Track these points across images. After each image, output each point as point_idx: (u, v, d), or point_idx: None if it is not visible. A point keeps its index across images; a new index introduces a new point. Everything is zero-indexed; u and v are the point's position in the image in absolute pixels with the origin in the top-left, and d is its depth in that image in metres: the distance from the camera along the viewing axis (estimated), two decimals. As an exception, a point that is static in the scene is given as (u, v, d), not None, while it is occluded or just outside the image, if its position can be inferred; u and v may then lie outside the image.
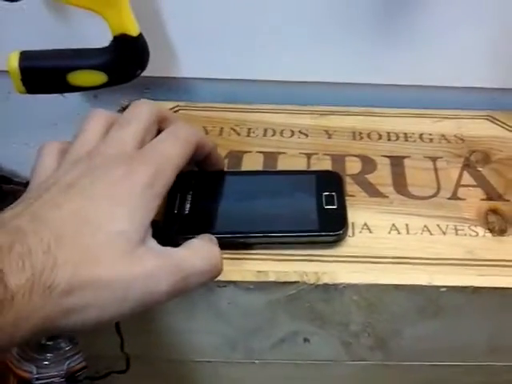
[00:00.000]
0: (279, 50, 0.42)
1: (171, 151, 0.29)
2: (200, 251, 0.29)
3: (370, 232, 0.33)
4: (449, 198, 0.36)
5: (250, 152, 0.39)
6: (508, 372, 0.35)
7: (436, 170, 0.38)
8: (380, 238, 0.33)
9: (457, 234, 0.33)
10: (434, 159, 0.39)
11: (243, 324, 0.33)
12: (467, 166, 0.38)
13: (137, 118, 0.30)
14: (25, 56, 0.38)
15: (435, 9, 0.40)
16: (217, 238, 0.31)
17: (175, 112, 0.43)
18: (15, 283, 0.22)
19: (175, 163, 0.29)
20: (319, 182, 0.35)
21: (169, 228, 0.32)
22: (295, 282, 0.31)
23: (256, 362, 0.35)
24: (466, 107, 0.43)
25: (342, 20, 0.41)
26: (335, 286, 0.31)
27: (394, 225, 0.34)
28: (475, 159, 0.39)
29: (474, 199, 0.36)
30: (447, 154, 0.39)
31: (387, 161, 0.38)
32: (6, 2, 0.37)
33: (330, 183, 0.35)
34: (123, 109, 0.42)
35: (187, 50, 0.43)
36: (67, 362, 0.46)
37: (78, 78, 0.39)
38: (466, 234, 0.33)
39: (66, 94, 0.46)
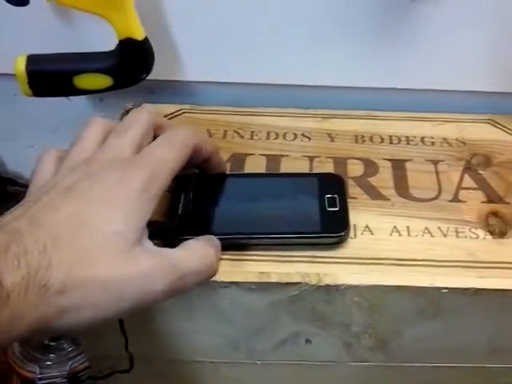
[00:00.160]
0: (283, 54, 0.43)
1: (166, 155, 0.29)
2: (195, 251, 0.29)
3: (372, 234, 0.34)
4: (450, 201, 0.36)
5: (253, 155, 0.39)
6: (508, 374, 0.35)
7: (437, 172, 0.38)
8: (381, 240, 0.33)
9: (457, 237, 0.34)
10: (435, 162, 0.39)
11: (245, 324, 0.33)
12: (468, 169, 0.39)
13: (133, 126, 0.30)
14: (31, 60, 0.39)
15: (436, 12, 0.40)
16: (220, 239, 0.31)
17: (179, 115, 0.43)
18: (10, 281, 0.23)
19: (170, 167, 0.29)
20: (322, 185, 0.35)
21: (172, 229, 0.32)
22: (297, 283, 0.31)
23: (258, 362, 0.36)
24: (467, 111, 0.44)
25: (345, 24, 0.41)
26: (337, 287, 0.31)
27: (395, 227, 0.34)
28: (476, 162, 0.39)
29: (474, 202, 0.36)
30: (448, 157, 0.39)
31: (389, 164, 0.39)
32: (14, 6, 0.38)
33: (332, 186, 0.35)
34: (127, 112, 0.42)
35: (192, 53, 0.43)
36: (70, 363, 0.47)
37: (84, 81, 0.39)
38: (466, 237, 0.34)
39: (71, 97, 0.46)
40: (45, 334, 0.26)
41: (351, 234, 0.33)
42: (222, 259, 0.31)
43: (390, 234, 0.34)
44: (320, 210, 0.33)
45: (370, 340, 0.34)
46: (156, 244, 0.31)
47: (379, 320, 0.33)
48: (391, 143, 0.41)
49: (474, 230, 0.34)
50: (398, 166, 0.39)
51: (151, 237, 0.31)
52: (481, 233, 0.34)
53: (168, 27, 0.42)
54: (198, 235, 0.31)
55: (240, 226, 0.33)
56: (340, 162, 0.39)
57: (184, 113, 0.43)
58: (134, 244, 0.26)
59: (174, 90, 0.46)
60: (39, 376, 0.46)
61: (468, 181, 0.38)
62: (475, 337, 0.33)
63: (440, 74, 0.44)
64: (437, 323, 0.32)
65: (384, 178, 0.38)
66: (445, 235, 0.34)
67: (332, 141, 0.41)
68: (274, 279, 0.31)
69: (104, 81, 0.40)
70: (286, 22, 0.41)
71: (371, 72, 0.43)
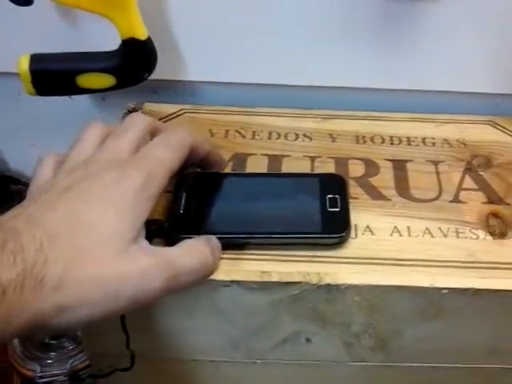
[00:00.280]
0: (284, 55, 0.43)
1: (163, 155, 0.30)
2: (192, 250, 0.29)
3: (373, 234, 0.34)
4: (450, 202, 0.36)
5: (254, 154, 0.40)
6: (508, 375, 0.36)
7: (438, 173, 0.38)
8: (382, 240, 0.33)
9: (458, 237, 0.34)
10: (436, 163, 0.39)
11: (246, 324, 0.34)
12: (469, 169, 0.39)
13: (131, 128, 0.31)
14: (35, 59, 0.39)
15: (438, 14, 0.40)
16: (221, 238, 0.32)
17: (181, 115, 0.43)
18: (6, 277, 0.23)
19: (167, 166, 0.30)
20: (323, 185, 0.35)
21: (174, 228, 0.33)
22: (298, 283, 0.31)
23: (258, 361, 0.36)
24: (468, 112, 0.44)
25: (346, 25, 0.41)
26: (337, 287, 0.31)
27: (395, 227, 0.34)
28: (477, 163, 0.39)
29: (475, 203, 0.36)
30: (449, 158, 0.40)
31: (390, 164, 0.39)
32: (18, 6, 0.38)
33: (333, 186, 0.35)
34: (129, 111, 0.43)
35: (194, 53, 0.44)
36: (70, 361, 0.47)
37: (87, 80, 0.40)
38: (466, 237, 0.34)
39: (74, 97, 0.46)
40: (43, 332, 0.27)
41: (352, 234, 0.33)
42: (223, 258, 0.32)
43: (391, 235, 0.34)
44: (321, 210, 0.33)
45: (370, 340, 0.34)
46: (157, 243, 0.32)
47: (379, 320, 0.33)
48: (392, 144, 0.41)
49: (474, 230, 0.34)
50: (399, 166, 0.39)
51: (153, 236, 0.32)
52: (481, 233, 0.34)
53: (170, 27, 0.42)
54: (199, 234, 0.32)
55: (242, 226, 0.33)
56: (341, 162, 0.39)
57: (186, 113, 0.44)
58: (131, 243, 0.27)
59: (176, 90, 0.46)
60: (40, 374, 0.46)
61: (468, 182, 0.38)
62: (475, 337, 0.34)
63: (441, 75, 0.44)
64: (437, 323, 0.33)
65: (385, 179, 0.38)
66: (445, 236, 0.34)
67: (333, 141, 0.41)
68: (274, 278, 0.31)
69: (107, 80, 0.40)
70: (287, 22, 0.41)
71: (373, 73, 0.44)
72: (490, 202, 0.36)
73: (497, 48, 0.42)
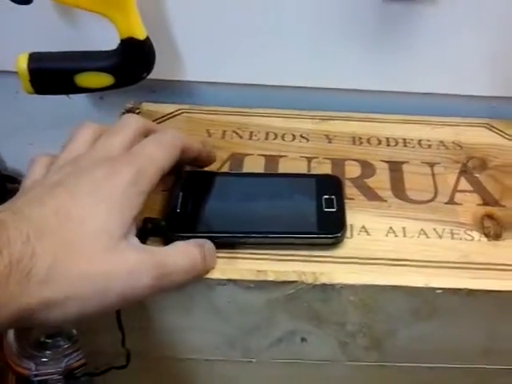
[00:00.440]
0: (282, 56, 0.43)
1: (154, 153, 0.30)
2: (182, 251, 0.30)
3: (368, 234, 0.34)
4: (446, 203, 0.36)
5: (251, 155, 0.40)
6: (502, 375, 0.36)
7: (434, 175, 0.39)
8: (377, 241, 0.34)
9: (453, 238, 0.34)
10: (431, 165, 0.39)
11: (241, 322, 0.34)
12: (464, 171, 0.39)
13: (124, 129, 0.31)
14: (33, 57, 0.39)
15: (435, 16, 0.40)
16: (218, 237, 0.32)
17: (178, 115, 0.43)
18: None
19: (158, 165, 0.30)
20: (319, 186, 0.35)
21: (170, 227, 0.33)
22: (294, 282, 0.31)
23: (253, 360, 0.36)
24: (464, 115, 0.44)
25: (344, 27, 0.41)
26: (333, 287, 0.31)
27: (391, 228, 0.34)
28: (472, 165, 0.39)
29: (470, 204, 0.36)
30: (445, 159, 0.40)
31: (386, 166, 0.39)
32: (17, 4, 0.38)
33: (329, 187, 0.35)
34: (127, 111, 0.43)
35: (192, 54, 0.44)
36: (66, 360, 0.47)
37: (86, 79, 0.40)
38: (461, 238, 0.34)
39: (72, 96, 0.46)
40: (32, 325, 0.26)
41: (348, 234, 0.34)
42: (219, 257, 0.32)
43: (386, 235, 0.34)
44: (317, 210, 0.34)
45: (365, 339, 0.34)
46: (154, 242, 0.32)
47: (374, 319, 0.33)
48: (388, 145, 0.41)
49: (469, 232, 0.34)
50: (395, 167, 0.39)
51: (149, 234, 0.32)
52: (476, 235, 0.34)
53: (169, 27, 0.42)
54: (196, 233, 0.32)
55: (238, 225, 0.33)
56: (337, 163, 0.39)
57: (183, 113, 0.44)
58: (120, 239, 0.27)
59: (173, 90, 0.46)
60: (35, 373, 0.46)
61: (464, 183, 0.38)
62: (469, 337, 0.34)
63: (438, 77, 0.44)
64: (431, 323, 0.33)
65: (381, 180, 0.38)
66: (440, 237, 0.34)
67: (330, 142, 0.41)
68: (270, 277, 0.31)
69: (105, 79, 0.40)
70: (285, 23, 0.42)
71: (370, 75, 0.44)
72: (485, 203, 0.36)
73: (494, 51, 0.42)
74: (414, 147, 0.41)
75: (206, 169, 0.37)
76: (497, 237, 0.34)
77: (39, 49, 0.39)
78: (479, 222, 0.35)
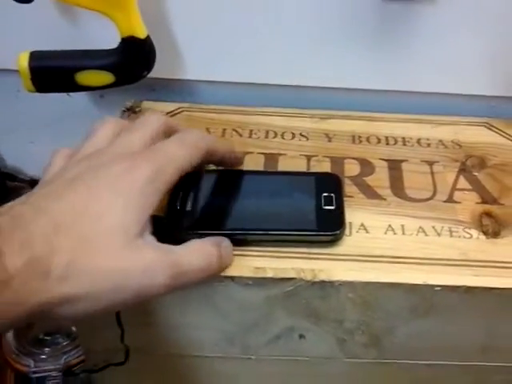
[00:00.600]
0: (282, 55, 0.43)
1: (175, 152, 0.30)
2: (198, 250, 0.29)
3: (367, 232, 0.34)
4: (444, 201, 0.36)
5: (251, 153, 0.40)
6: (500, 372, 0.36)
7: (433, 173, 0.39)
8: (376, 238, 0.34)
9: (451, 236, 0.34)
10: (430, 163, 0.39)
11: (240, 319, 0.34)
12: (463, 170, 0.39)
13: (145, 126, 0.31)
14: (34, 56, 0.39)
15: (434, 16, 0.41)
16: (217, 234, 0.32)
17: (178, 113, 0.44)
18: (13, 266, 0.23)
19: (178, 164, 0.30)
20: (319, 184, 0.35)
21: (171, 224, 0.33)
22: (292, 279, 0.31)
23: (252, 357, 0.36)
24: (464, 114, 0.44)
25: (344, 26, 0.42)
26: (331, 284, 0.31)
27: (390, 225, 0.34)
28: (471, 164, 0.40)
29: (469, 202, 0.36)
30: (444, 158, 0.40)
31: (385, 164, 0.39)
32: (18, 3, 0.38)
33: (329, 185, 0.35)
34: (128, 109, 0.43)
35: (192, 52, 0.44)
36: (65, 357, 0.47)
37: (86, 77, 0.40)
38: (460, 236, 0.34)
39: (72, 94, 0.47)
40: (50, 320, 0.27)
41: (347, 231, 0.34)
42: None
43: (385, 233, 0.34)
44: (316, 208, 0.34)
45: (363, 336, 0.34)
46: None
47: (373, 317, 0.33)
48: (388, 144, 0.41)
49: (467, 229, 0.34)
50: (394, 166, 0.39)
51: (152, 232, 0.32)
52: (474, 233, 0.34)
53: (169, 26, 0.42)
54: (196, 230, 0.32)
55: (237, 223, 0.33)
56: (337, 161, 0.39)
57: (183, 111, 0.44)
58: (137, 236, 0.27)
59: (174, 89, 0.46)
60: (34, 370, 0.46)
61: (463, 182, 0.38)
62: (467, 334, 0.34)
63: (437, 76, 0.44)
64: (429, 321, 0.33)
65: (380, 178, 0.38)
66: (439, 234, 0.34)
67: (329, 141, 0.41)
68: (269, 274, 0.31)
69: (106, 78, 0.40)
70: (285, 22, 0.42)
71: (369, 74, 0.44)
72: (484, 201, 0.37)
73: (493, 50, 0.43)
74: (413, 146, 0.41)
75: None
76: (495, 235, 0.34)
77: (40, 47, 0.40)
78: (478, 219, 0.35)
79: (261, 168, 0.39)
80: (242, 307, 0.33)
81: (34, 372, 0.46)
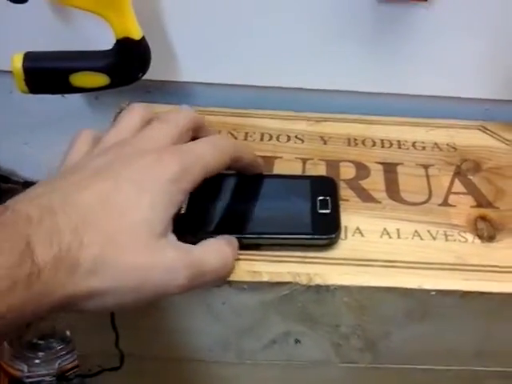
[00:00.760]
0: (277, 58, 0.43)
1: (205, 154, 0.29)
2: (215, 250, 0.29)
3: (362, 236, 0.34)
4: (440, 205, 0.36)
5: (246, 156, 0.40)
6: (494, 377, 0.36)
7: (428, 177, 0.39)
8: (371, 242, 0.34)
9: (446, 240, 0.34)
10: (426, 167, 0.39)
11: (236, 324, 0.34)
12: (458, 173, 0.39)
13: (173, 121, 0.31)
14: (28, 57, 0.39)
15: (429, 19, 0.41)
16: (212, 238, 0.32)
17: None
18: (42, 259, 0.23)
19: (206, 167, 0.29)
20: (314, 187, 0.35)
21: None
22: (288, 283, 0.31)
23: (247, 362, 0.36)
24: (459, 117, 0.44)
25: (339, 29, 0.42)
26: (327, 288, 0.31)
27: (385, 229, 0.34)
28: (466, 167, 0.40)
29: (464, 206, 0.36)
30: (439, 161, 0.40)
31: (381, 167, 0.39)
32: (12, 3, 0.38)
33: (324, 188, 0.35)
34: (122, 111, 0.43)
35: (187, 54, 0.44)
36: (59, 361, 0.46)
37: (81, 79, 0.40)
38: (455, 240, 0.34)
39: (66, 95, 0.46)
40: (72, 312, 0.26)
41: (342, 235, 0.34)
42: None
43: (381, 237, 0.34)
44: (312, 211, 0.34)
45: (359, 341, 0.34)
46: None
47: (368, 321, 0.33)
48: (383, 147, 0.41)
49: (462, 233, 0.34)
50: (390, 169, 0.39)
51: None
52: (469, 236, 0.34)
53: (164, 28, 0.42)
54: (191, 233, 0.32)
55: (232, 226, 0.33)
56: (332, 164, 0.39)
57: (179, 113, 0.44)
58: (160, 235, 0.27)
59: (169, 90, 0.46)
60: (27, 374, 0.46)
61: (458, 185, 0.38)
62: (463, 339, 0.34)
63: (433, 80, 0.44)
64: (425, 325, 0.33)
65: (375, 181, 0.38)
66: (434, 238, 0.34)
67: (325, 143, 0.41)
68: (265, 278, 0.31)
69: (100, 79, 0.40)
70: (280, 25, 0.42)
71: (365, 77, 0.44)
72: (479, 205, 0.37)
73: (488, 53, 0.43)
74: (408, 149, 0.41)
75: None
76: (490, 238, 0.34)
77: (34, 48, 0.39)
78: (473, 223, 0.35)
79: (256, 171, 0.38)
80: (238, 312, 0.33)
81: (28, 377, 0.45)
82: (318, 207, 0.34)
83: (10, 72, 0.39)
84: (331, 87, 0.44)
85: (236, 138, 0.41)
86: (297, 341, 0.34)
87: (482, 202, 0.37)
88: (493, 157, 0.41)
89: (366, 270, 0.32)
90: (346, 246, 0.33)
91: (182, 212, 0.33)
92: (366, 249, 0.33)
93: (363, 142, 0.42)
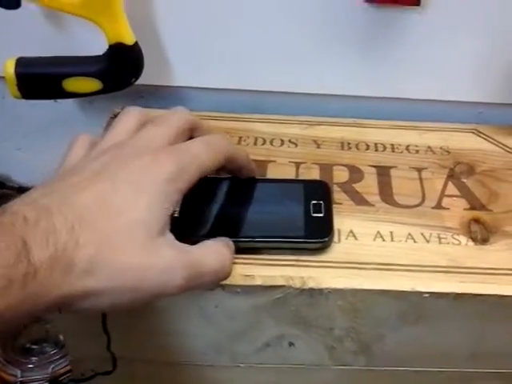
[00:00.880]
0: (270, 62, 0.43)
1: (201, 154, 0.30)
2: (213, 251, 0.29)
3: (356, 239, 0.34)
4: (433, 208, 0.37)
5: (240, 160, 0.40)
6: (488, 379, 0.36)
7: (421, 180, 0.39)
8: (365, 245, 0.34)
9: (440, 243, 0.34)
10: (419, 170, 0.40)
11: (230, 327, 0.34)
12: (452, 176, 0.39)
13: (169, 122, 0.31)
14: (21, 62, 0.39)
15: (422, 23, 0.41)
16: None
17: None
18: (38, 259, 0.23)
19: (201, 166, 0.29)
20: (307, 191, 0.35)
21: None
22: (281, 286, 0.31)
23: (241, 365, 0.36)
24: (452, 120, 0.44)
25: (331, 33, 0.42)
26: (320, 291, 0.31)
27: (378, 232, 0.34)
28: (460, 170, 0.40)
29: (457, 209, 0.36)
30: (432, 165, 0.40)
31: (374, 170, 0.39)
32: (4, 9, 0.38)
33: (317, 192, 0.35)
34: (116, 116, 0.43)
35: (181, 59, 0.44)
36: (52, 366, 0.46)
37: (73, 84, 0.40)
38: (449, 243, 0.34)
39: (59, 100, 0.46)
40: (67, 312, 0.26)
41: (335, 238, 0.34)
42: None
43: (374, 240, 0.34)
44: (305, 215, 0.34)
45: (353, 344, 0.34)
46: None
47: (362, 324, 0.33)
48: (376, 150, 0.41)
49: (456, 236, 0.34)
50: (383, 172, 0.39)
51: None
52: (463, 239, 0.34)
53: (157, 32, 0.42)
54: (184, 237, 0.32)
55: (225, 230, 0.33)
56: (326, 168, 0.39)
57: (172, 118, 0.44)
58: (157, 235, 0.27)
59: (162, 95, 0.46)
60: (20, 379, 0.46)
61: (451, 188, 0.38)
62: (456, 341, 0.34)
63: (426, 83, 0.44)
64: (418, 327, 0.33)
65: (369, 185, 0.38)
66: (427, 241, 0.34)
67: (318, 147, 0.41)
68: (258, 282, 0.31)
69: (93, 85, 0.40)
70: (274, 30, 0.42)
71: (358, 81, 0.44)
72: (472, 208, 0.37)
73: (480, 57, 0.43)
74: (401, 152, 0.41)
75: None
76: (484, 241, 0.34)
77: (27, 53, 0.39)
78: (466, 226, 0.35)
79: (250, 175, 0.38)
80: (231, 315, 0.33)
81: (21, 382, 0.45)
82: (312, 211, 0.34)
83: (3, 77, 0.39)
84: (325, 91, 0.45)
85: (229, 142, 0.41)
86: (290, 344, 0.34)
87: (475, 204, 0.37)
88: (486, 160, 0.41)
89: (360, 273, 0.32)
90: (340, 249, 0.33)
91: (176, 216, 0.33)
92: (360, 252, 0.33)
93: (356, 146, 0.42)
